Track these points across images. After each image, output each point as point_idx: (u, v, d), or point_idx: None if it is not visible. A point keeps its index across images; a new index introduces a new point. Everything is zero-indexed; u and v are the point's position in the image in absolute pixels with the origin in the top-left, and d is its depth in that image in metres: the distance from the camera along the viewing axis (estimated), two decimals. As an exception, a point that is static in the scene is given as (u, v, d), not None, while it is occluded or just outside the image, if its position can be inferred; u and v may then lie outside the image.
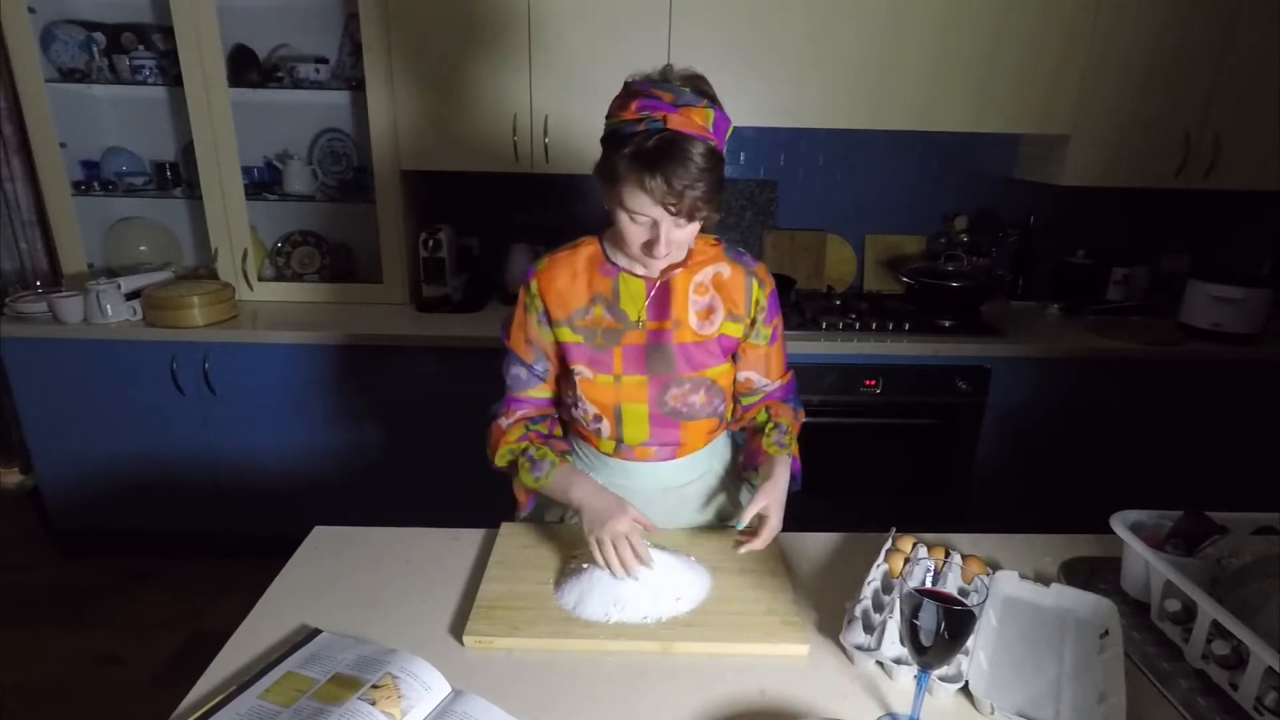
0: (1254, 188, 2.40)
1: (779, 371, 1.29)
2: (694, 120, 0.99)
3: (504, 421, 1.23)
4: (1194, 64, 2.25)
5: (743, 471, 1.32)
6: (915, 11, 2.20)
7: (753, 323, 1.21)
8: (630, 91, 1.02)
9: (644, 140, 0.98)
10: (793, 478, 1.21)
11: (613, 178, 1.02)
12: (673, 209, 1.00)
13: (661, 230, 1.03)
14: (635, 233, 1.06)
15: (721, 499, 1.30)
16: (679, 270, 1.18)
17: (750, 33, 2.21)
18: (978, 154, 2.68)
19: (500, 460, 1.22)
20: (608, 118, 1.05)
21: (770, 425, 1.24)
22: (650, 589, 1.05)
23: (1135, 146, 2.34)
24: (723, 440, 1.34)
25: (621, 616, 1.02)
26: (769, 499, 1.13)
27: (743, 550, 1.13)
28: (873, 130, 2.37)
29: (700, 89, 1.03)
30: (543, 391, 1.24)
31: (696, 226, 1.07)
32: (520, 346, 1.21)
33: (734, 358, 1.24)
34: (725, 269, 1.20)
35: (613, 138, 1.03)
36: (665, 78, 1.03)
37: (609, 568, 1.06)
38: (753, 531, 1.13)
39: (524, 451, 1.19)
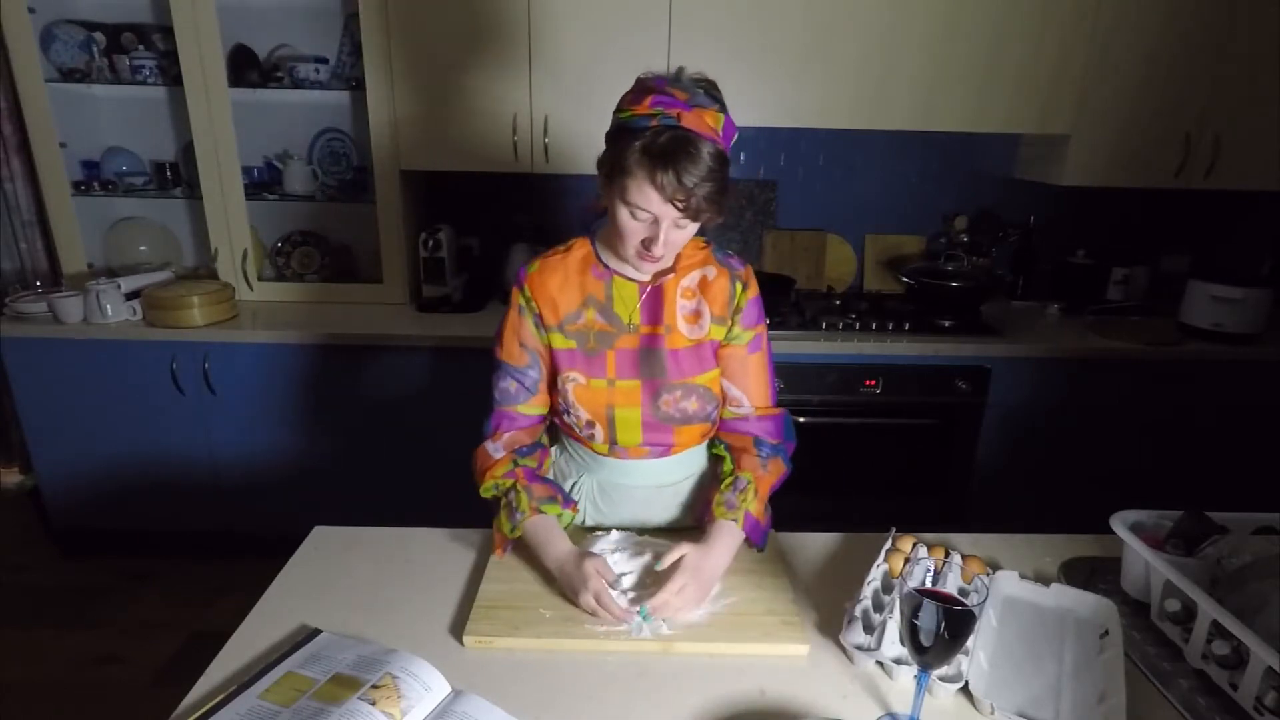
0: (1254, 188, 2.40)
1: (761, 394, 1.22)
2: (706, 122, 0.99)
3: (491, 447, 1.18)
4: (1194, 64, 2.25)
5: (698, 524, 1.21)
6: (915, 11, 2.20)
7: (732, 323, 1.18)
8: (644, 87, 1.01)
9: (656, 136, 0.97)
10: (749, 540, 1.13)
11: (621, 171, 1.00)
12: (680, 205, 0.99)
13: (661, 229, 1.02)
14: (634, 230, 1.04)
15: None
16: (669, 276, 1.17)
17: (750, 33, 2.21)
18: (978, 154, 2.67)
19: (485, 492, 1.17)
20: (618, 111, 1.04)
21: (728, 482, 1.16)
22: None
23: (1135, 146, 2.34)
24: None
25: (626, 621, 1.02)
26: (690, 563, 1.03)
27: (656, 612, 1.00)
28: (873, 130, 2.37)
29: (712, 93, 1.03)
30: (533, 408, 1.19)
31: (693, 230, 1.06)
32: (513, 353, 1.18)
33: None
34: (711, 271, 1.18)
35: (622, 131, 1.01)
36: (679, 78, 1.02)
37: (600, 614, 1.01)
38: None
39: (507, 492, 1.14)
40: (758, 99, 2.26)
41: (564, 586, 1.06)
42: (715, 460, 1.29)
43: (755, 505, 1.14)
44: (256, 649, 0.97)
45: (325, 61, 2.42)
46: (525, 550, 1.17)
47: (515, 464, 1.16)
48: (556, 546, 1.09)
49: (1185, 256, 2.76)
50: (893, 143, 2.64)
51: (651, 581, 1.07)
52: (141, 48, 2.40)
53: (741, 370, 1.20)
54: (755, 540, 1.15)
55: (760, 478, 1.17)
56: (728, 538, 1.10)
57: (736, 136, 1.06)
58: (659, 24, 2.20)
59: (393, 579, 1.13)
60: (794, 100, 2.28)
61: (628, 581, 1.09)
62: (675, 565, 1.05)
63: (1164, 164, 2.36)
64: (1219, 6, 2.19)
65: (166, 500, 2.41)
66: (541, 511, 1.13)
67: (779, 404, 1.26)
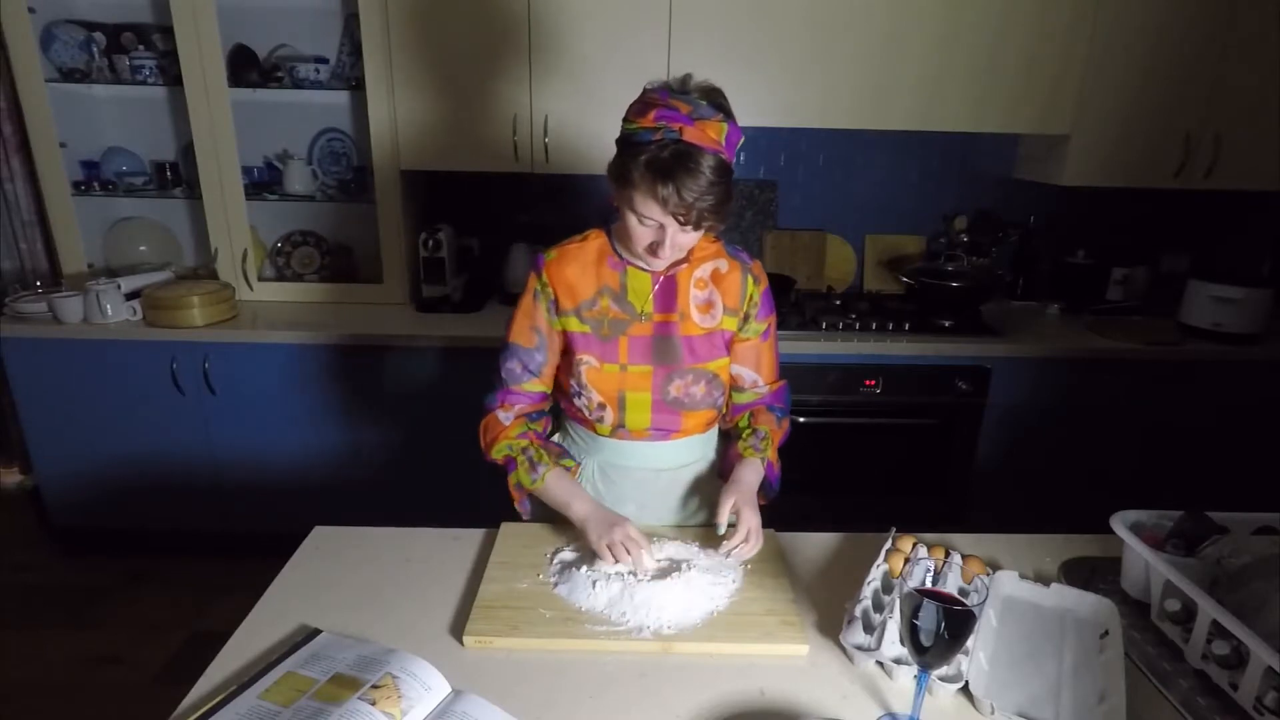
0: (1254, 188, 2.41)
1: (770, 374, 1.32)
2: (708, 134, 1.02)
3: (503, 415, 1.24)
4: (1194, 64, 2.25)
5: (722, 477, 1.32)
6: (915, 12, 2.20)
7: (746, 317, 1.25)
8: (648, 100, 1.04)
9: (659, 150, 1.01)
10: (769, 484, 1.26)
11: (626, 181, 1.05)
12: (681, 218, 1.04)
13: (667, 235, 1.07)
14: (642, 234, 1.09)
15: (711, 488, 1.31)
16: (682, 266, 1.21)
17: (750, 33, 2.21)
18: (978, 154, 2.67)
19: (497, 454, 1.24)
20: (625, 121, 1.07)
21: (748, 431, 1.29)
22: (666, 603, 1.04)
23: (1135, 146, 2.34)
24: (716, 432, 1.36)
25: (627, 620, 1.02)
26: (736, 496, 1.15)
27: (732, 557, 1.13)
28: (873, 130, 2.38)
29: (717, 103, 1.05)
30: (536, 386, 1.25)
31: (700, 233, 1.10)
32: (523, 335, 1.22)
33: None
34: (723, 264, 1.24)
35: (628, 142, 1.05)
36: (684, 88, 1.05)
37: (617, 559, 1.09)
38: (731, 535, 1.14)
39: (523, 450, 1.22)
40: (758, 99, 2.26)
41: (593, 530, 1.12)
42: (723, 444, 1.37)
43: (772, 453, 1.28)
44: (256, 649, 0.97)
45: (325, 61, 2.42)
46: (525, 549, 1.18)
47: (527, 427, 1.24)
48: (582, 499, 1.18)
49: (1185, 256, 2.76)
50: (893, 143, 2.64)
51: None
52: (141, 48, 2.40)
53: (756, 357, 1.29)
54: (771, 480, 1.26)
55: (774, 432, 1.30)
56: (751, 471, 1.21)
57: (743, 140, 1.10)
58: (659, 24, 2.19)
59: (393, 579, 1.13)
60: (794, 100, 2.28)
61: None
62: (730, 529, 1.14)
63: (1164, 164, 2.36)
64: (1219, 6, 2.19)
65: (166, 500, 2.41)
66: (562, 465, 1.23)
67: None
